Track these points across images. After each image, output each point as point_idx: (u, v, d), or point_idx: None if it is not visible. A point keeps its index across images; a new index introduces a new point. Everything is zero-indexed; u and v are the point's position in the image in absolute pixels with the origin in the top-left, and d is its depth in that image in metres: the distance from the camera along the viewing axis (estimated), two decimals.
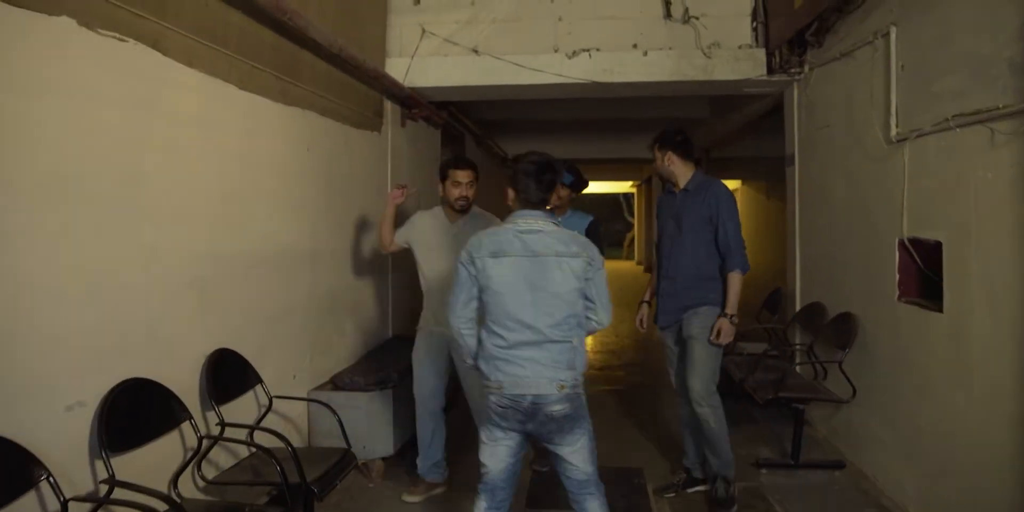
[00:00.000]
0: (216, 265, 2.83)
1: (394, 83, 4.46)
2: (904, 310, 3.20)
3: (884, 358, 3.41)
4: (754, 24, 4.62)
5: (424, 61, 4.79)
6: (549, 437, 2.31)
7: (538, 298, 2.26)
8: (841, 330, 3.81)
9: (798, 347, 4.50)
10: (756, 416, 4.57)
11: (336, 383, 3.83)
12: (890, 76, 3.22)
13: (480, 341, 2.35)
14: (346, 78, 4.08)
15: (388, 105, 4.86)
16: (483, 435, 2.37)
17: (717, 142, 8.06)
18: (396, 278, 5.03)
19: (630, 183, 20.88)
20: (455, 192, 3.34)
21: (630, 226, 24.43)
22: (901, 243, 3.22)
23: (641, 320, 3.60)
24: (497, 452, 2.33)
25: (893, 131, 3.22)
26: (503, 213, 2.62)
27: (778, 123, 5.75)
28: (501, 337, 2.28)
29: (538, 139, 10.80)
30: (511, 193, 2.38)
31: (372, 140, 4.62)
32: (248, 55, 3.01)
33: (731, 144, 7.88)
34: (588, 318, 2.36)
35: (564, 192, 3.71)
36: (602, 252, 2.50)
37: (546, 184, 2.34)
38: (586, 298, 2.33)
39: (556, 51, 4.75)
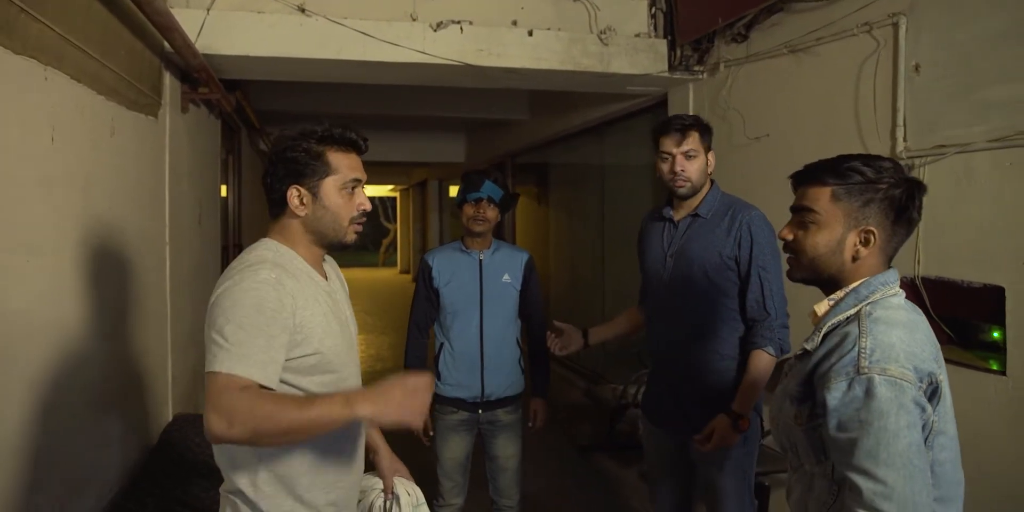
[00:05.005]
0: None
1: (186, 44, 2.90)
2: None
3: None
4: (652, 10, 3.86)
5: (226, 18, 3.24)
6: None
7: None
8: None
9: None
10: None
11: None
12: (898, 79, 2.62)
13: None
14: (118, 25, 2.46)
15: (168, 79, 3.24)
16: None
17: (534, 146, 7.32)
18: (176, 329, 3.44)
19: (391, 187, 19.76)
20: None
21: (387, 232, 23.38)
22: (907, 282, 2.64)
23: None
24: None
25: (900, 146, 2.62)
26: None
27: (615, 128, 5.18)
28: None
29: None
30: (866, 238, 1.37)
31: (147, 129, 2.98)
32: None
33: (547, 149, 7.20)
34: None
35: (492, 213, 2.58)
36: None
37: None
38: None
39: (415, 20, 3.53)
